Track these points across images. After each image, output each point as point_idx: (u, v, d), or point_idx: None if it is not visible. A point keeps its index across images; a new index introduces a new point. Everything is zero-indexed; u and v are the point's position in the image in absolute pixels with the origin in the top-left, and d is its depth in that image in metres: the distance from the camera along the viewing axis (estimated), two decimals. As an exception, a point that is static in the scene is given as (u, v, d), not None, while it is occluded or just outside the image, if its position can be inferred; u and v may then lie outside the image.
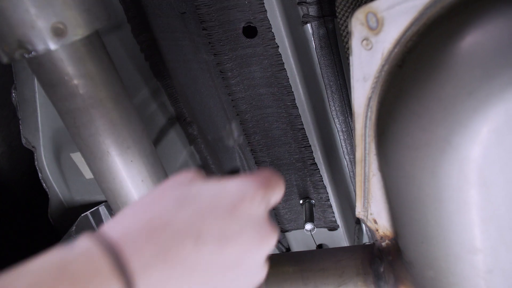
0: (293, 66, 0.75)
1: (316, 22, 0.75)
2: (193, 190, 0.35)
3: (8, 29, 0.40)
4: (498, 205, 0.38)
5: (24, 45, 0.40)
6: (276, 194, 0.38)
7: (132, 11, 0.79)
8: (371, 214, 0.53)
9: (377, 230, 0.54)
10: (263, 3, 0.69)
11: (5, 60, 0.42)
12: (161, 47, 0.84)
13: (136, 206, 0.34)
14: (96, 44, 0.46)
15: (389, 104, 0.45)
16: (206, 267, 0.32)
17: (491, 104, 0.35)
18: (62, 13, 0.40)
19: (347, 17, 0.63)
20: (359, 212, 0.54)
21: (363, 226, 1.01)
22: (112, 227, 0.31)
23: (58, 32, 0.40)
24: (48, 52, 0.42)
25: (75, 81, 0.44)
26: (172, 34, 0.80)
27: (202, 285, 0.32)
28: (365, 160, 0.50)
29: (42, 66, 0.43)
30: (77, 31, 0.42)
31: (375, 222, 0.53)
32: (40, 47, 0.40)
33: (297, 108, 0.79)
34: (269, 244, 0.36)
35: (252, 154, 0.90)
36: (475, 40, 0.37)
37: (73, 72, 0.44)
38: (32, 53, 0.40)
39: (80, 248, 0.29)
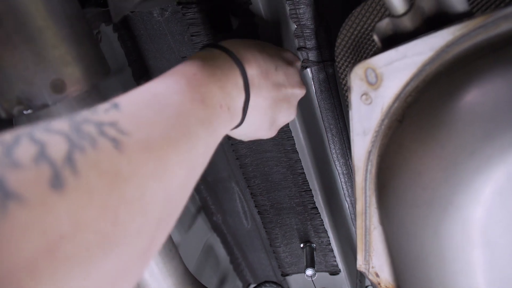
0: (293, 111, 0.75)
1: (316, 67, 0.76)
2: (266, 43, 0.56)
3: (7, 86, 0.40)
4: (503, 266, 0.37)
5: (23, 101, 0.40)
6: None
7: (133, 55, 0.80)
8: (372, 267, 0.52)
9: (379, 284, 0.53)
10: (263, 50, 0.70)
11: (3, 115, 0.42)
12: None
13: (235, 40, 0.51)
14: (94, 98, 0.46)
15: (389, 158, 0.44)
16: (277, 89, 0.51)
17: (493, 165, 0.35)
18: (61, 70, 0.40)
19: (346, 65, 0.64)
20: (360, 265, 0.53)
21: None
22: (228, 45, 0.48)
23: (57, 89, 0.40)
24: (46, 107, 0.41)
25: (73, 135, 0.44)
26: (172, 77, 0.81)
27: (273, 101, 0.51)
28: (365, 213, 0.49)
29: (40, 120, 0.43)
30: (76, 87, 0.42)
31: (377, 275, 0.52)
32: (39, 103, 0.40)
33: (297, 152, 0.79)
34: (304, 91, 0.58)
35: (252, 198, 0.89)
36: (475, 99, 0.37)
37: (71, 126, 0.43)
38: (30, 109, 0.40)
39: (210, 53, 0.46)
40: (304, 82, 0.77)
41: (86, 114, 0.27)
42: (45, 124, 0.25)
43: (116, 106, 0.29)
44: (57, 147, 0.23)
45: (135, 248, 0.26)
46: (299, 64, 0.60)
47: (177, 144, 0.31)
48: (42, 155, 0.22)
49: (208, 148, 0.37)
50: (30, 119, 0.44)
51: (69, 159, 0.23)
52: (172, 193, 0.30)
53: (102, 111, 0.28)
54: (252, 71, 0.47)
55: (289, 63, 0.56)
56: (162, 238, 0.31)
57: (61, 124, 0.25)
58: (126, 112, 0.29)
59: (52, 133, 0.24)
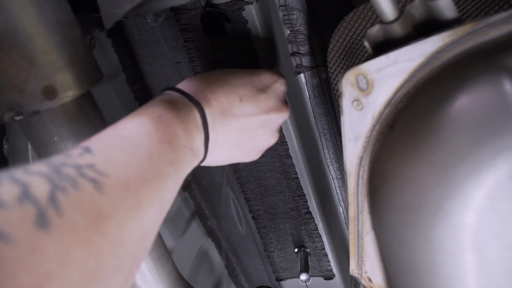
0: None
1: (309, 72, 0.76)
2: (234, 72, 0.53)
3: (-2, 92, 0.40)
4: (494, 271, 0.38)
5: (14, 108, 0.40)
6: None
7: (127, 60, 0.80)
8: (365, 272, 0.52)
9: (372, 289, 0.53)
10: (256, 55, 0.70)
11: (-6, 121, 0.42)
12: (155, 95, 0.84)
13: (195, 78, 0.50)
14: (87, 104, 0.46)
15: (380, 164, 0.44)
16: (245, 120, 0.50)
17: (483, 171, 0.35)
18: (52, 76, 0.40)
19: (338, 71, 0.64)
20: (353, 270, 0.53)
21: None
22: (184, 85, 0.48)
23: (49, 95, 0.40)
24: (38, 114, 0.41)
25: (65, 141, 0.44)
26: (167, 82, 0.81)
27: (241, 132, 0.50)
28: (358, 218, 0.49)
29: (31, 126, 0.43)
30: (68, 93, 0.42)
31: (370, 280, 0.52)
32: (30, 110, 0.40)
33: (291, 157, 0.79)
34: (284, 114, 0.55)
35: (246, 203, 0.89)
36: (464, 105, 0.37)
37: (62, 132, 0.43)
38: (21, 116, 0.40)
39: (168, 97, 0.45)
40: (297, 87, 0.77)
41: (62, 158, 0.28)
42: (24, 167, 0.26)
43: (88, 150, 0.31)
44: (39, 188, 0.24)
45: (115, 284, 0.27)
46: (280, 82, 0.57)
47: (151, 184, 0.33)
48: (25, 195, 0.23)
49: (176, 185, 0.39)
50: (22, 125, 0.44)
51: (52, 199, 0.23)
52: (146, 230, 0.32)
53: (77, 155, 0.29)
54: (212, 110, 0.47)
55: (264, 88, 0.54)
56: (135, 273, 0.32)
57: (40, 166, 0.26)
58: (101, 155, 0.30)
59: (33, 175, 0.25)
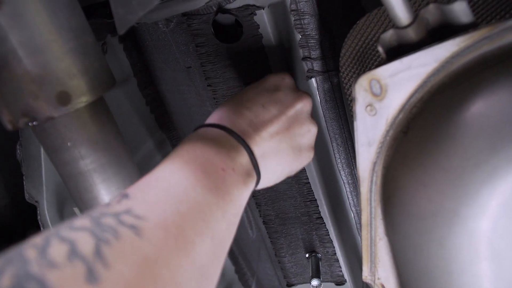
0: (298, 121, 0.75)
1: (320, 76, 0.76)
2: (244, 90, 0.54)
3: (12, 98, 0.40)
4: (511, 279, 0.37)
5: (28, 114, 0.40)
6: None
7: (139, 65, 0.81)
8: (378, 278, 0.52)
9: (385, 296, 0.52)
10: (268, 60, 0.70)
11: (9, 127, 0.42)
12: (166, 100, 0.84)
13: (215, 113, 0.51)
14: (100, 109, 0.46)
15: (394, 170, 0.44)
16: (276, 122, 0.50)
17: (499, 177, 0.34)
18: (66, 82, 0.41)
19: (351, 76, 0.64)
20: (366, 276, 0.52)
21: (371, 279, 0.98)
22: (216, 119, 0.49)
23: (62, 101, 0.41)
24: (52, 119, 0.42)
25: (78, 147, 0.44)
26: (177, 87, 0.81)
27: (280, 135, 0.50)
28: (371, 224, 0.49)
29: (45, 132, 0.43)
30: (81, 99, 0.42)
31: (383, 287, 0.52)
32: (44, 116, 0.41)
33: (302, 162, 0.79)
34: (307, 100, 0.55)
35: (257, 208, 0.89)
36: (480, 111, 0.36)
37: (76, 137, 0.44)
38: (35, 121, 0.40)
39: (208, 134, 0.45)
40: (309, 92, 0.77)
41: (101, 208, 0.30)
42: (68, 223, 0.27)
43: (126, 195, 0.32)
44: (85, 243, 0.25)
45: None
46: (287, 77, 0.57)
47: (191, 218, 0.32)
48: (73, 252, 0.24)
49: (227, 212, 0.38)
50: (36, 131, 0.44)
51: (98, 253, 0.25)
52: (201, 265, 0.32)
53: (115, 202, 0.31)
54: (240, 126, 0.47)
55: (276, 88, 0.55)
56: None
57: (82, 221, 0.28)
58: (136, 199, 0.31)
59: (77, 231, 0.26)
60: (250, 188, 0.45)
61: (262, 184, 0.51)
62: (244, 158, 0.45)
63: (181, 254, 0.29)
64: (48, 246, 0.24)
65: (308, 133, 0.54)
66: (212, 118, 0.50)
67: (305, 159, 0.55)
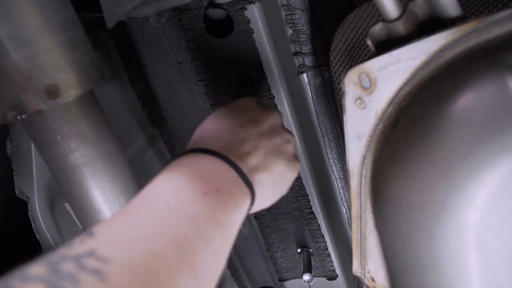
0: (289, 116, 0.75)
1: (312, 71, 0.76)
2: (217, 113, 0.52)
3: (0, 92, 0.40)
4: (498, 270, 0.37)
5: (17, 107, 0.40)
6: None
7: (130, 60, 0.80)
8: (368, 272, 0.52)
9: (375, 289, 0.53)
10: (259, 55, 0.70)
11: (-3, 121, 0.42)
12: (158, 95, 0.84)
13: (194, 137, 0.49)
14: (89, 103, 0.46)
15: (383, 163, 0.44)
16: (256, 138, 0.48)
17: (486, 169, 0.35)
18: (55, 75, 0.40)
19: (341, 70, 0.64)
20: (356, 270, 0.53)
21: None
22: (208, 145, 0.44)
23: (51, 94, 0.40)
24: (41, 113, 0.41)
25: (68, 141, 0.44)
26: (169, 82, 0.81)
27: (264, 146, 0.48)
28: (361, 217, 0.49)
29: (34, 125, 0.43)
30: (70, 92, 0.42)
31: (373, 280, 0.52)
32: (32, 109, 0.40)
33: (294, 157, 0.79)
34: (277, 114, 0.55)
35: (249, 203, 0.89)
36: (467, 104, 0.37)
37: (65, 131, 0.44)
38: (24, 115, 0.40)
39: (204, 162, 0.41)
40: (300, 87, 0.77)
41: (62, 250, 0.26)
42: (21, 272, 0.24)
43: (91, 234, 0.28)
44: None
45: None
46: (251, 99, 0.56)
47: (163, 254, 0.29)
48: None
49: (210, 240, 0.34)
50: (25, 125, 0.44)
51: None
52: None
53: (78, 243, 0.27)
54: (222, 146, 0.44)
55: (245, 108, 0.54)
56: None
57: (37, 268, 0.24)
58: (102, 237, 0.28)
59: (29, 282, 0.23)
60: (243, 208, 0.41)
61: (260, 203, 0.48)
62: (230, 174, 0.41)
63: None
64: None
65: (289, 142, 0.53)
66: (191, 143, 0.48)
67: (295, 169, 0.53)
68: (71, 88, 0.42)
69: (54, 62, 0.40)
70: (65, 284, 0.23)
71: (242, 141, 0.46)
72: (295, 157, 0.53)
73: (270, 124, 0.52)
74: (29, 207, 0.76)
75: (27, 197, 0.75)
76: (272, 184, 0.48)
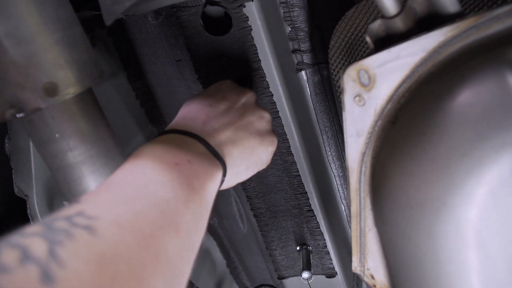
0: (288, 113, 0.75)
1: (310, 69, 0.76)
2: (192, 98, 0.56)
3: (-1, 89, 0.39)
4: (497, 267, 0.37)
5: (15, 105, 0.40)
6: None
7: (128, 58, 0.80)
8: (368, 269, 0.52)
9: (374, 286, 0.52)
10: (257, 53, 0.70)
11: (-4, 119, 0.42)
12: (156, 94, 0.84)
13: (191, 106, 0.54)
14: (88, 101, 0.45)
15: (383, 160, 0.44)
16: (227, 113, 0.52)
17: (485, 166, 0.35)
18: (53, 73, 0.40)
19: (340, 67, 0.64)
20: (355, 267, 0.53)
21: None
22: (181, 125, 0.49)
23: (50, 92, 0.40)
24: (39, 111, 0.41)
25: (66, 139, 0.44)
26: (167, 80, 0.81)
27: (235, 122, 0.52)
28: (360, 214, 0.49)
29: (32, 123, 0.43)
30: (69, 90, 0.42)
31: (373, 277, 0.52)
32: (31, 107, 0.40)
33: (293, 155, 0.79)
34: (249, 92, 0.58)
35: (248, 201, 0.89)
36: (466, 100, 0.37)
37: (64, 129, 0.43)
38: (23, 113, 0.40)
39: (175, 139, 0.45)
40: (299, 85, 0.77)
41: (53, 214, 0.29)
42: (19, 231, 0.26)
43: (77, 201, 0.31)
44: (37, 247, 0.24)
45: None
46: (227, 82, 0.60)
47: (145, 213, 0.31)
48: (26, 256, 0.23)
49: (188, 202, 0.37)
50: (23, 123, 0.44)
51: (52, 254, 0.24)
52: (166, 258, 0.31)
53: (67, 208, 0.30)
54: (190, 125, 0.49)
55: (217, 91, 0.57)
56: None
57: (33, 227, 0.26)
58: (88, 202, 0.31)
59: (28, 236, 0.25)
60: (216, 177, 0.45)
61: (234, 176, 0.51)
62: (199, 148, 0.45)
63: (141, 249, 0.28)
64: None
65: (262, 119, 0.56)
66: (178, 120, 0.52)
67: (269, 143, 0.56)
68: (69, 86, 0.42)
69: (52, 60, 0.40)
70: (60, 237, 0.25)
71: (211, 119, 0.50)
72: (270, 132, 0.57)
73: (242, 103, 0.56)
74: (28, 206, 0.76)
75: (26, 196, 0.75)
76: (244, 157, 0.51)
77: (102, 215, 0.29)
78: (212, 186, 0.43)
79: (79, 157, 0.45)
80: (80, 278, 0.23)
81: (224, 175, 0.48)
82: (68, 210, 0.29)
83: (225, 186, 0.51)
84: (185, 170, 0.40)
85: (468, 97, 0.37)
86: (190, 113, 0.52)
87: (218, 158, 0.46)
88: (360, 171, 0.47)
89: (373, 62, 0.42)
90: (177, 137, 0.46)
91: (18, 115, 0.40)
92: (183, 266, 0.33)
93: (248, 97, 0.58)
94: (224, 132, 0.50)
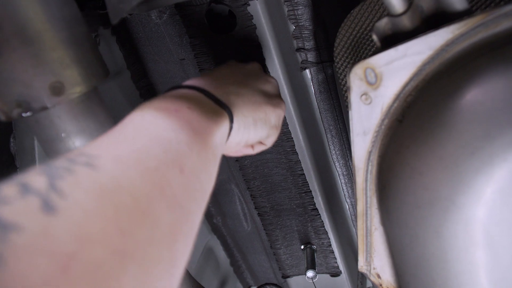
0: (292, 112, 0.75)
1: (314, 67, 0.75)
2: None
3: (6, 89, 0.39)
4: (506, 267, 0.37)
5: (22, 104, 0.40)
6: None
7: (132, 57, 0.80)
8: (374, 268, 0.52)
9: (380, 285, 0.52)
10: (262, 51, 0.70)
11: (2, 118, 0.42)
12: (160, 92, 0.84)
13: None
14: (93, 100, 0.45)
15: (389, 159, 0.44)
16: (236, 77, 0.53)
17: (494, 164, 0.34)
18: (59, 72, 0.40)
19: (345, 65, 0.64)
20: (361, 266, 0.52)
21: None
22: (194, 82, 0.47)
23: (56, 91, 0.40)
24: (46, 110, 0.41)
25: (72, 138, 0.44)
26: (171, 79, 0.81)
27: (244, 85, 0.52)
28: (366, 214, 0.49)
29: (39, 123, 0.43)
30: (75, 89, 0.42)
31: (379, 277, 0.52)
32: (38, 106, 0.40)
33: (297, 153, 0.79)
34: (274, 82, 0.59)
35: (252, 199, 0.89)
36: (475, 98, 0.36)
37: (70, 128, 0.43)
38: (29, 112, 0.40)
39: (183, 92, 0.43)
40: (303, 83, 0.77)
41: (54, 159, 0.29)
42: (20, 174, 0.26)
43: (80, 147, 0.31)
44: (37, 181, 0.24)
45: (153, 262, 0.26)
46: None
47: (147, 150, 0.31)
48: (26, 189, 0.23)
49: (192, 143, 0.36)
50: (29, 122, 0.44)
51: (52, 186, 0.24)
52: (171, 194, 0.30)
53: (69, 152, 0.29)
54: (196, 82, 0.47)
55: (232, 65, 0.58)
56: (183, 249, 0.30)
57: (35, 168, 0.26)
58: (90, 146, 0.30)
59: (29, 174, 0.25)
60: (221, 122, 0.43)
61: (242, 123, 0.49)
62: (200, 98, 0.43)
63: (144, 182, 0.28)
64: None
65: (268, 82, 0.56)
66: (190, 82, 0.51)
67: (276, 104, 0.55)
68: (75, 85, 0.42)
69: (58, 59, 0.40)
70: (61, 173, 0.25)
71: (214, 79, 0.50)
72: (277, 96, 0.57)
73: (247, 69, 0.57)
74: (32, 205, 0.76)
75: (30, 195, 0.75)
76: (250, 109, 0.50)
77: (104, 153, 0.28)
78: (218, 131, 0.41)
79: (85, 156, 0.45)
80: (82, 207, 0.23)
81: (231, 121, 0.46)
82: (70, 154, 0.29)
83: (237, 137, 0.49)
84: (185, 115, 0.38)
85: (477, 95, 0.36)
86: (195, 82, 0.50)
87: (221, 106, 0.45)
88: (367, 170, 0.47)
89: (379, 60, 0.42)
90: (175, 92, 0.44)
91: (24, 114, 0.40)
92: (191, 205, 0.32)
93: (254, 65, 0.59)
94: (228, 87, 0.49)
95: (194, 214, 0.33)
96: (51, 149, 0.45)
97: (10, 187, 0.23)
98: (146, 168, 0.29)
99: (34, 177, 0.24)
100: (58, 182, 0.24)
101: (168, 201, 0.29)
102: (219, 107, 0.44)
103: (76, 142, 0.44)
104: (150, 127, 0.34)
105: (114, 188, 0.26)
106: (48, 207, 0.22)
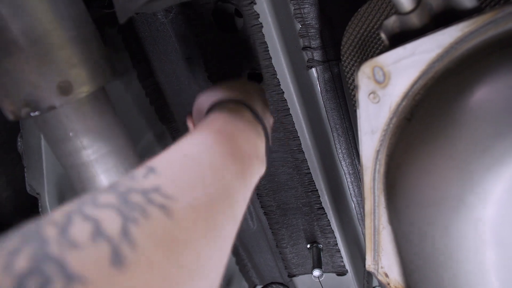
0: (299, 111, 0.75)
1: (321, 66, 0.75)
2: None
3: (14, 88, 0.39)
4: (516, 265, 0.37)
5: (30, 104, 0.40)
6: None
7: (138, 56, 0.80)
8: (381, 267, 0.52)
9: (388, 284, 0.52)
10: (268, 50, 0.70)
11: (11, 117, 0.42)
12: (166, 91, 0.84)
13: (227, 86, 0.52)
14: (101, 99, 0.45)
15: (398, 158, 0.44)
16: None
17: (504, 163, 0.34)
18: (67, 72, 0.40)
19: (353, 64, 0.63)
20: (369, 265, 0.52)
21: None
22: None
23: (64, 90, 0.40)
24: (53, 109, 0.41)
25: (80, 137, 0.44)
26: (177, 78, 0.81)
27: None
28: (374, 212, 0.49)
29: (47, 122, 0.43)
30: (83, 89, 0.42)
31: (387, 275, 0.52)
32: (46, 105, 0.40)
33: (303, 152, 0.79)
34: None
35: (258, 198, 0.89)
36: (485, 96, 0.36)
37: (77, 128, 0.43)
38: (37, 111, 0.40)
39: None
40: (309, 81, 0.77)
41: (127, 181, 0.28)
42: (92, 198, 0.25)
43: (153, 170, 0.30)
44: (111, 222, 0.23)
45: None
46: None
47: (219, 202, 0.31)
48: (98, 232, 0.22)
49: (245, 199, 0.37)
50: (37, 122, 0.44)
51: (125, 233, 0.23)
52: (224, 250, 0.31)
53: (141, 177, 0.28)
54: (256, 106, 0.49)
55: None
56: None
57: (108, 197, 0.25)
58: (165, 176, 0.29)
59: (102, 208, 0.24)
60: (258, 177, 0.44)
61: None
62: (263, 147, 0.45)
63: (209, 239, 0.28)
64: (69, 225, 0.22)
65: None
66: (227, 93, 0.50)
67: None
68: (83, 84, 0.42)
69: (66, 58, 0.40)
70: (135, 214, 0.24)
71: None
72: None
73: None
74: (39, 204, 0.76)
75: (37, 194, 0.75)
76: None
77: (180, 197, 0.28)
78: (256, 180, 0.43)
79: (92, 155, 0.45)
80: (150, 264, 0.23)
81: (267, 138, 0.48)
82: (144, 181, 0.28)
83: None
84: (253, 166, 0.40)
85: (487, 93, 0.36)
86: (240, 87, 0.52)
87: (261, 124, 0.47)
88: (374, 169, 0.46)
89: (388, 58, 0.41)
90: (252, 121, 0.46)
91: (33, 114, 0.41)
92: (227, 256, 0.33)
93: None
94: (263, 108, 0.51)
95: (224, 261, 0.33)
96: (60, 149, 0.45)
97: (82, 225, 0.22)
98: (216, 224, 0.29)
99: (108, 215, 0.23)
100: (131, 227, 0.23)
101: (219, 257, 0.30)
102: (265, 160, 0.46)
103: (84, 141, 0.44)
104: (220, 177, 0.34)
105: (184, 243, 0.26)
106: (117, 259, 0.21)
